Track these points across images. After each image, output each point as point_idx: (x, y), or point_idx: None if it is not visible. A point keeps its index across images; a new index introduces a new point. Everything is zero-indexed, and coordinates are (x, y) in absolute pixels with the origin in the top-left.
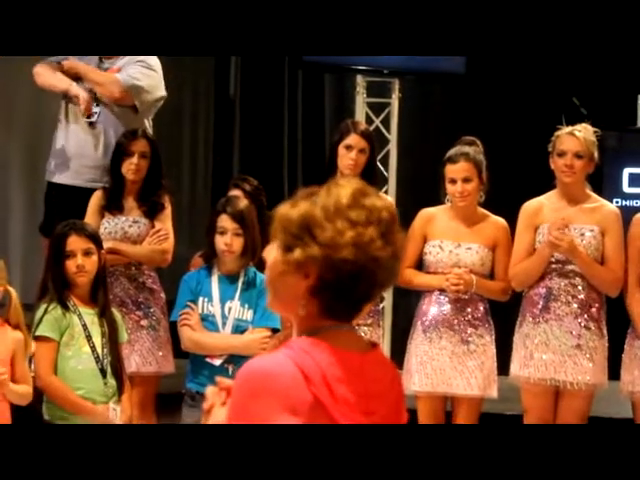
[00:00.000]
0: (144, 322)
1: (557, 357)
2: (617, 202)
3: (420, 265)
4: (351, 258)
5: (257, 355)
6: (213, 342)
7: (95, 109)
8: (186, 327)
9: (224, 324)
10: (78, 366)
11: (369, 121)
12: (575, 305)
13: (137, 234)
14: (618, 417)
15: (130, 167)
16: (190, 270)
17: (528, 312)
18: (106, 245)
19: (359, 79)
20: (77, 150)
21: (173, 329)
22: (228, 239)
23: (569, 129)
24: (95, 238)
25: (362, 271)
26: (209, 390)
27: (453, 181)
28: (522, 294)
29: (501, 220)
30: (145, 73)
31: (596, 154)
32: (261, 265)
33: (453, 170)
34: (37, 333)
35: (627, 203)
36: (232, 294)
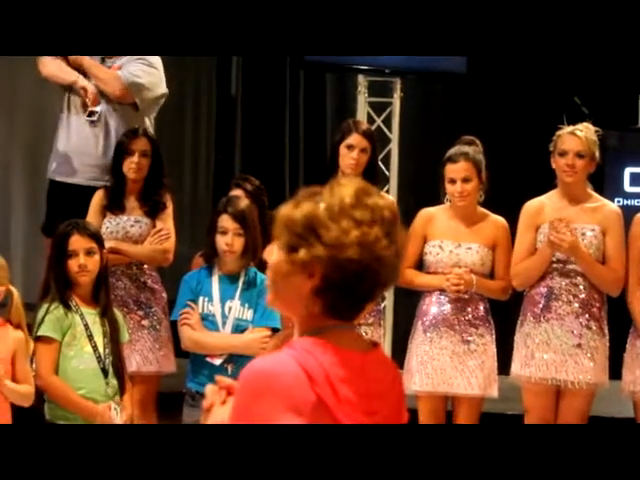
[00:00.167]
0: (145, 322)
1: (558, 356)
2: (618, 201)
3: (420, 265)
4: (356, 257)
5: (257, 355)
6: (213, 341)
7: (96, 108)
8: (186, 326)
9: (224, 323)
10: (80, 366)
11: (370, 121)
12: (576, 304)
13: (139, 234)
14: (619, 417)
15: (131, 166)
16: (191, 270)
17: (529, 311)
18: (107, 245)
19: (360, 79)
20: (79, 148)
21: (174, 329)
22: (229, 239)
23: (570, 128)
24: (97, 238)
25: (367, 270)
26: (209, 389)
27: (453, 181)
28: (523, 293)
29: (501, 219)
30: (146, 71)
31: (597, 154)
32: (262, 265)
33: (453, 170)
34: (39, 333)
35: (628, 202)
36: (232, 294)
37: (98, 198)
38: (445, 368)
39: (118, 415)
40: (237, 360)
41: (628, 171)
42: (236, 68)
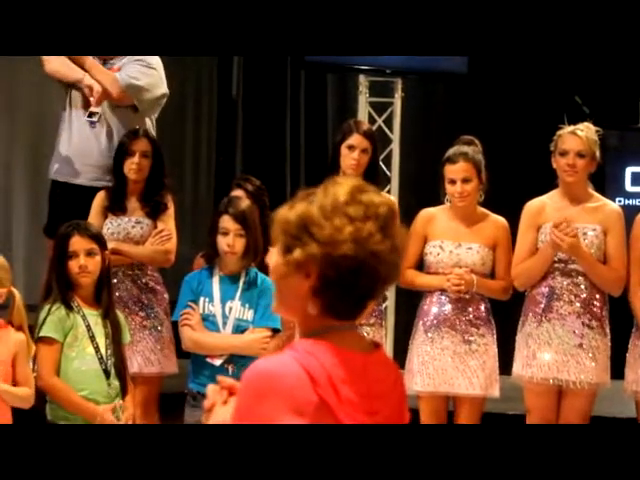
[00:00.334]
0: (147, 323)
1: (560, 356)
2: (620, 201)
3: (420, 266)
4: (351, 254)
5: (257, 355)
6: (214, 342)
7: (97, 109)
8: (187, 327)
9: (225, 324)
10: (82, 367)
11: (372, 121)
12: (578, 304)
13: (140, 235)
14: (621, 416)
15: (132, 167)
16: (193, 270)
17: (531, 311)
18: (109, 246)
19: (362, 79)
20: (80, 149)
21: (176, 329)
22: (230, 240)
23: (571, 128)
24: (99, 239)
25: (362, 266)
26: (210, 388)
27: (452, 181)
28: (524, 293)
29: (501, 219)
30: (144, 72)
31: (598, 153)
32: (263, 266)
33: (452, 170)
34: (40, 334)
35: (630, 202)
36: (233, 294)
37: (100, 199)
38: (446, 368)
39: (120, 415)
40: (237, 361)
41: (629, 171)
42: (237, 68)
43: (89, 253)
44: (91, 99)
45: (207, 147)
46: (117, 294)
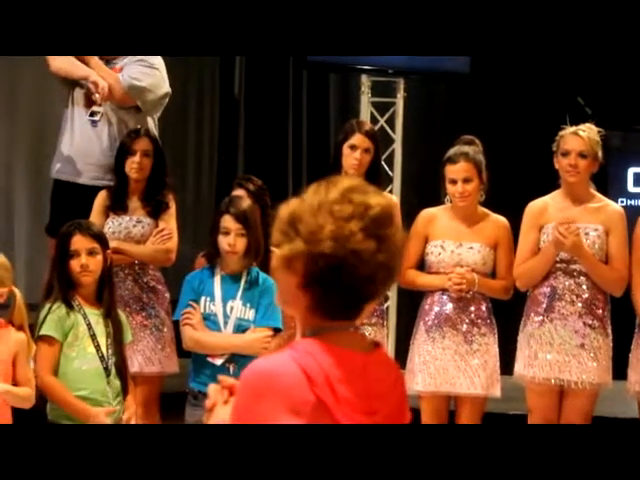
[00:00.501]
0: (148, 322)
1: (561, 357)
2: (622, 202)
3: (421, 266)
4: (329, 252)
5: (258, 355)
6: (215, 341)
7: (99, 108)
8: (188, 326)
9: (226, 323)
10: (83, 366)
11: (374, 121)
12: (579, 304)
13: (141, 234)
14: (623, 417)
15: (133, 166)
16: (194, 270)
17: (532, 311)
18: (110, 245)
19: (364, 79)
20: (82, 148)
21: (177, 329)
22: (231, 239)
23: (573, 129)
24: (100, 238)
25: (342, 265)
26: (211, 388)
27: (453, 181)
28: (526, 294)
29: (502, 219)
30: (146, 72)
31: (600, 154)
32: (265, 265)
33: (453, 170)
34: (40, 332)
35: (632, 203)
36: (234, 293)
37: (101, 199)
38: (448, 368)
39: (116, 417)
40: (238, 360)
41: (631, 171)
42: (239, 68)
43: (91, 252)
44: (96, 95)
45: (209, 146)
46: (118, 293)
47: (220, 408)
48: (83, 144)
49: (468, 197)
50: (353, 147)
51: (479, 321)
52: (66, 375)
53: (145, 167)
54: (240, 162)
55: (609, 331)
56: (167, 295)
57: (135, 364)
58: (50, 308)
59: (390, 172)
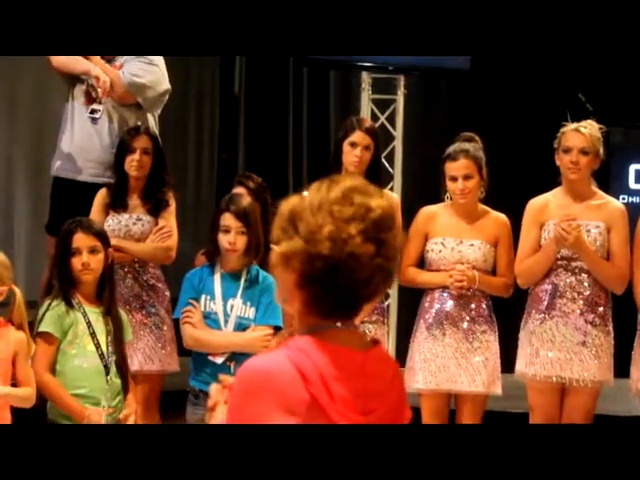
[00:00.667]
0: (148, 320)
1: (563, 354)
2: (623, 199)
3: (421, 263)
4: (326, 253)
5: (259, 353)
6: (215, 340)
7: (99, 106)
8: (188, 325)
9: (226, 322)
10: (83, 364)
11: (374, 118)
12: (581, 302)
13: (140, 232)
14: (625, 415)
15: (132, 164)
16: (195, 267)
17: (534, 309)
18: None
19: (364, 76)
20: (82, 145)
21: (178, 327)
22: (232, 238)
23: (574, 125)
24: (102, 236)
25: (339, 266)
26: (213, 388)
27: (454, 178)
28: (527, 291)
29: (502, 216)
30: (146, 69)
31: (601, 150)
32: (265, 263)
33: (453, 167)
34: (39, 329)
35: (633, 199)
36: (234, 292)
37: (101, 196)
38: (449, 366)
39: (116, 417)
40: (239, 358)
41: (633, 168)
42: (239, 65)
43: (92, 250)
44: (98, 90)
45: (210, 144)
46: (118, 291)
47: (222, 407)
48: (83, 141)
49: (468, 194)
50: (353, 144)
51: (480, 319)
52: (65, 373)
53: (145, 165)
54: (240, 160)
55: (611, 328)
56: (167, 293)
57: (135, 362)
58: (49, 305)
59: (391, 169)
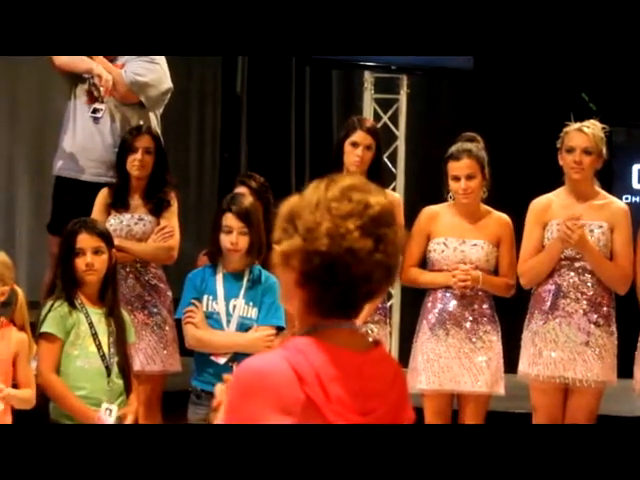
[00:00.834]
0: (149, 321)
1: (566, 354)
2: (627, 198)
3: (423, 263)
4: (324, 249)
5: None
6: (217, 340)
7: (101, 105)
8: (190, 325)
9: (228, 322)
10: (84, 365)
11: (377, 117)
12: (584, 302)
13: (142, 232)
14: (628, 415)
15: (134, 163)
16: (197, 267)
17: (537, 309)
18: None
19: (367, 75)
20: (84, 144)
21: (180, 327)
22: (234, 238)
23: (577, 125)
24: (106, 237)
25: (337, 263)
26: (218, 388)
27: (456, 178)
28: (530, 291)
29: (504, 216)
30: (148, 68)
31: (604, 150)
32: (267, 263)
33: (456, 167)
34: (41, 330)
35: (636, 199)
36: (237, 292)
37: (102, 196)
38: (452, 366)
39: (113, 416)
40: (241, 359)
41: (636, 168)
42: (242, 65)
43: (96, 251)
44: (100, 89)
45: (212, 144)
46: (120, 292)
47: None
48: (85, 141)
49: (471, 194)
50: (354, 144)
51: (483, 319)
52: (68, 374)
53: (146, 164)
54: (243, 159)
55: (614, 329)
56: (169, 293)
57: (137, 363)
58: (52, 305)
59: (393, 169)
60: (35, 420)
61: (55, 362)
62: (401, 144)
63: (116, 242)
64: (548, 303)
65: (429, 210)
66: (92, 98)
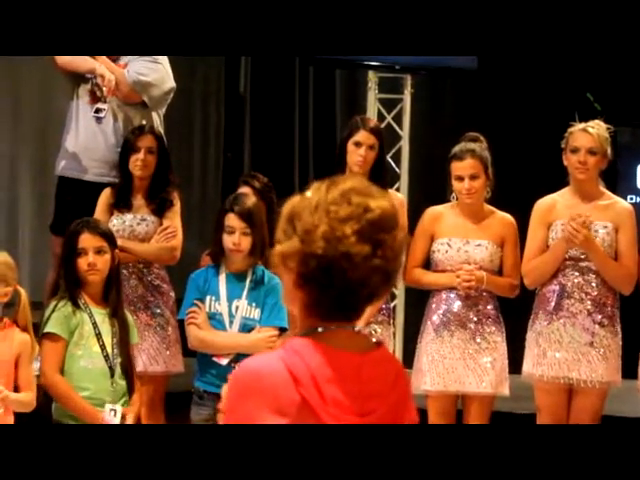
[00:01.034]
0: (152, 321)
1: (570, 355)
2: (631, 199)
3: (427, 264)
4: (319, 252)
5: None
6: (220, 341)
7: (104, 105)
8: (193, 326)
9: (231, 323)
10: (88, 366)
11: (381, 117)
12: (589, 302)
13: (145, 232)
14: (633, 416)
15: (137, 163)
16: (200, 268)
17: (541, 310)
18: None
19: (371, 75)
20: (87, 144)
21: (182, 328)
22: (236, 238)
23: (582, 125)
24: (108, 237)
25: (332, 266)
26: (224, 389)
27: (460, 178)
28: (535, 292)
29: (508, 216)
30: (151, 67)
31: (609, 150)
32: (269, 263)
33: (460, 167)
34: (45, 330)
35: None
36: (239, 293)
37: (105, 196)
38: (456, 367)
39: (117, 416)
40: (244, 359)
41: None
42: (245, 65)
43: (98, 251)
44: (103, 89)
45: (215, 144)
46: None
47: None
48: (88, 141)
49: (475, 194)
50: (358, 144)
51: (487, 319)
52: (71, 374)
53: (149, 164)
54: (246, 159)
55: (619, 329)
56: (172, 294)
57: (139, 363)
58: (56, 306)
59: (397, 169)
60: (37, 420)
61: (59, 362)
62: (405, 144)
63: (119, 242)
64: (552, 303)
65: (433, 210)
66: (95, 98)
